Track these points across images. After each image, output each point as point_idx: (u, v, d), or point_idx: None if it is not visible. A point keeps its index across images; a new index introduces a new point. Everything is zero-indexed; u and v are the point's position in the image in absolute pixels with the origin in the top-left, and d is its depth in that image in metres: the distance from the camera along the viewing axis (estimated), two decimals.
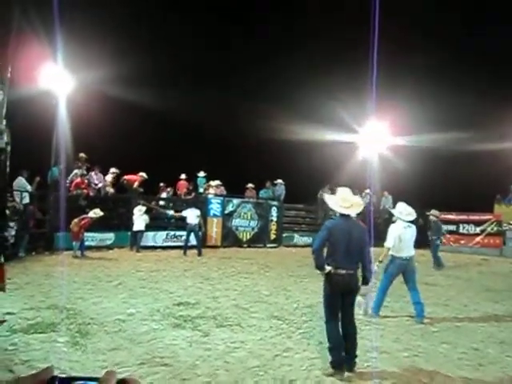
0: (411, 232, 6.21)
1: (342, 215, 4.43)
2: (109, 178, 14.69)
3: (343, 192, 4.56)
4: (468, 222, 18.20)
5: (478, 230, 17.82)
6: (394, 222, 6.49)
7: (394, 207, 6.82)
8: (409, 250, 6.12)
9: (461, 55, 20.54)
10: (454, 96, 19.20)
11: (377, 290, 6.22)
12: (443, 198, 19.02)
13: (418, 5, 19.82)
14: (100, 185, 14.54)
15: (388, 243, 6.10)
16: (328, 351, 4.25)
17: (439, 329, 5.80)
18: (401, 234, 6.01)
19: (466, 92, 19.03)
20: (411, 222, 6.29)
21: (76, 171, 13.72)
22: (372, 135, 19.43)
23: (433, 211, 12.76)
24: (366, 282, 4.43)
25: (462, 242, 18.14)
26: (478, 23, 20.38)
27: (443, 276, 10.92)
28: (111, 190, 14.74)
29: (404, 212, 6.25)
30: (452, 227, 18.64)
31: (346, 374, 4.14)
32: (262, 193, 17.91)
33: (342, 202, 4.42)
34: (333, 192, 4.67)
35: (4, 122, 4.52)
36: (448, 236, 18.64)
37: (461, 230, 18.33)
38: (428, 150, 19.75)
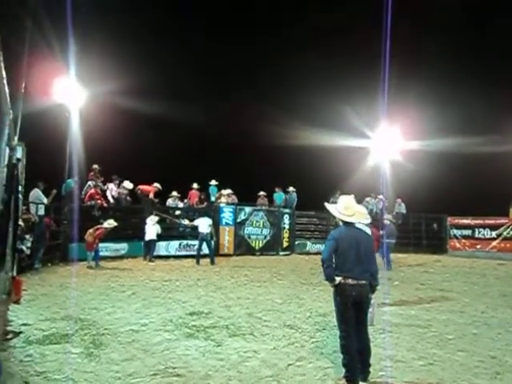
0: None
1: (346, 223, 4.34)
2: (123, 188, 14.84)
3: (345, 200, 4.43)
4: (484, 227, 17.92)
5: (493, 234, 17.53)
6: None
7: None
8: None
9: (475, 58, 20.34)
10: (468, 99, 18.99)
11: None
12: (458, 203, 18.79)
13: (432, 9, 19.69)
14: (118, 192, 14.69)
15: None
16: (342, 365, 4.16)
17: (455, 336, 5.70)
18: None
19: (479, 95, 18.82)
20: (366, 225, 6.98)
21: (89, 183, 13.91)
22: (384, 140, 19.30)
23: (386, 216, 13.81)
24: (373, 290, 4.34)
25: (478, 246, 17.88)
26: (493, 28, 20.16)
27: (459, 282, 10.76)
28: (128, 199, 14.89)
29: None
30: (467, 232, 18.41)
31: (361, 383, 4.09)
32: (276, 196, 17.83)
33: (344, 210, 4.32)
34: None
35: (16, 138, 4.61)
36: (463, 241, 18.40)
37: (476, 235, 18.08)
38: (441, 154, 19.54)
